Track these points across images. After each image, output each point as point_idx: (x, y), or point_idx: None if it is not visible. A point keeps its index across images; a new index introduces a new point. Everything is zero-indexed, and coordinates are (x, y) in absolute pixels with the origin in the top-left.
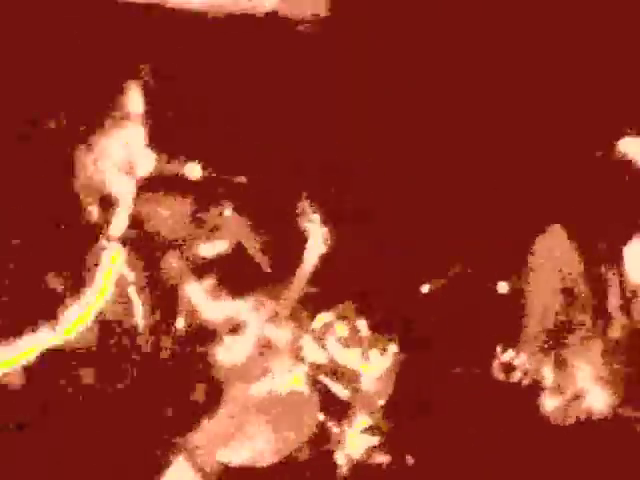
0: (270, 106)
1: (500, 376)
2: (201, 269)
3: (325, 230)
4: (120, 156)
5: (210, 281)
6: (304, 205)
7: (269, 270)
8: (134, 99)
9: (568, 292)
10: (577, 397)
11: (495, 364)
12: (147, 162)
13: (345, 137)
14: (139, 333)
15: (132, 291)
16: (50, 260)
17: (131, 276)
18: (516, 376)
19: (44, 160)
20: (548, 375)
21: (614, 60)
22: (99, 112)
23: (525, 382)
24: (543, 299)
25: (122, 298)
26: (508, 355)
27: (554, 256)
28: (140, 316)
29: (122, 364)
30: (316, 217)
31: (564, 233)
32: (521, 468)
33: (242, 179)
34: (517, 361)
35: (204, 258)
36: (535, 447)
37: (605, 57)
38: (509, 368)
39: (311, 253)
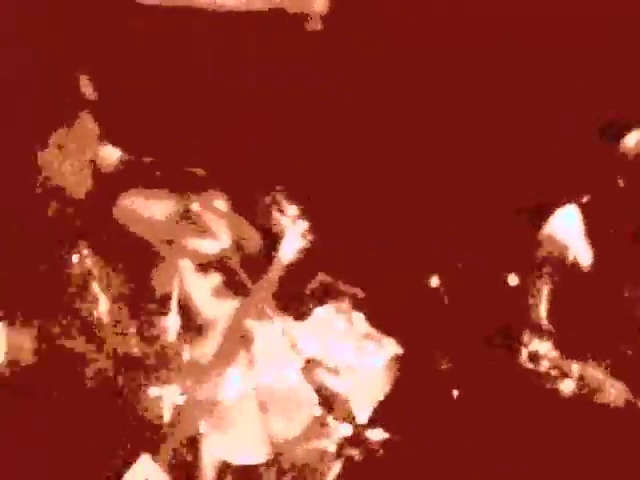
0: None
1: (527, 365)
2: (204, 267)
3: (303, 224)
4: (80, 150)
5: (215, 279)
6: (278, 198)
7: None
8: (86, 88)
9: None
10: (598, 389)
11: (524, 353)
12: (110, 155)
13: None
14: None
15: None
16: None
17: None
18: (544, 365)
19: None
20: (573, 366)
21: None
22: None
23: (553, 372)
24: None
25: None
26: (534, 345)
27: (558, 241)
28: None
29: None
30: (292, 210)
31: (576, 214)
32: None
33: (201, 172)
34: (542, 350)
35: (205, 256)
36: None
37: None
38: (536, 357)
39: (287, 248)
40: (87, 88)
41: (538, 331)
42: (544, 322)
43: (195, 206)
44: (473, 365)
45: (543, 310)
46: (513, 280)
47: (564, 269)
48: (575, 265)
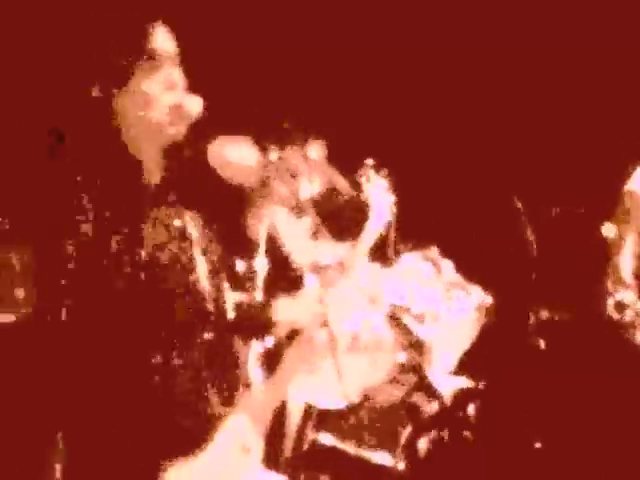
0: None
1: (614, 315)
2: (298, 210)
3: (392, 198)
4: (168, 100)
5: (310, 221)
6: (369, 172)
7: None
8: (163, 40)
9: None
10: None
11: (610, 302)
12: (195, 104)
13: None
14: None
15: (196, 251)
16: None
17: (195, 235)
18: (629, 315)
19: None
20: None
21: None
22: (129, 57)
23: (638, 322)
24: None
25: (185, 256)
26: (620, 294)
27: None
28: (204, 275)
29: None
30: (383, 184)
31: None
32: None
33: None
34: (627, 300)
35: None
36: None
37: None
38: (622, 307)
39: (375, 221)
40: (165, 41)
41: (621, 282)
42: (627, 273)
43: (274, 156)
44: (561, 316)
45: (627, 261)
46: (609, 231)
47: None
48: None
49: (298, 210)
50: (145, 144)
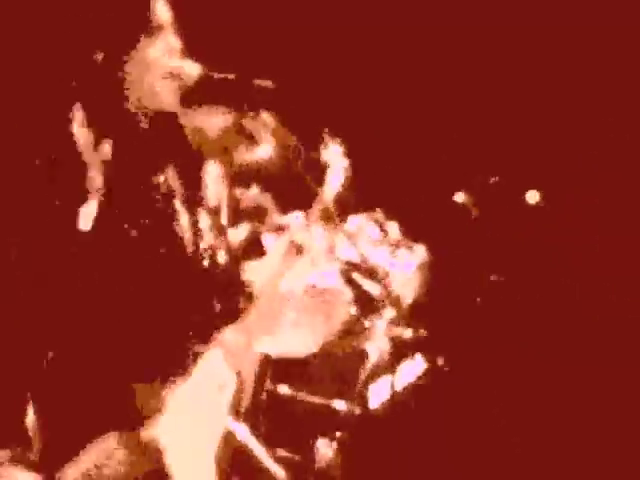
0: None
1: None
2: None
3: (347, 162)
4: (166, 65)
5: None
6: (325, 137)
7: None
8: (161, 9)
9: None
10: None
11: None
12: (193, 69)
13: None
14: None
15: (178, 204)
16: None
17: (178, 189)
18: None
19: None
20: None
21: None
22: (132, 27)
23: None
24: None
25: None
26: None
27: None
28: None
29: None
30: (338, 149)
31: None
32: None
33: (268, 83)
34: None
35: (247, 165)
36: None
37: None
38: None
39: (331, 184)
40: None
41: None
42: None
43: (246, 120)
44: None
45: None
46: (533, 197)
47: None
48: None
49: (246, 179)
50: (143, 106)
